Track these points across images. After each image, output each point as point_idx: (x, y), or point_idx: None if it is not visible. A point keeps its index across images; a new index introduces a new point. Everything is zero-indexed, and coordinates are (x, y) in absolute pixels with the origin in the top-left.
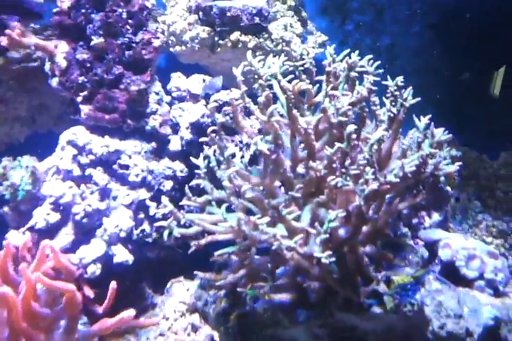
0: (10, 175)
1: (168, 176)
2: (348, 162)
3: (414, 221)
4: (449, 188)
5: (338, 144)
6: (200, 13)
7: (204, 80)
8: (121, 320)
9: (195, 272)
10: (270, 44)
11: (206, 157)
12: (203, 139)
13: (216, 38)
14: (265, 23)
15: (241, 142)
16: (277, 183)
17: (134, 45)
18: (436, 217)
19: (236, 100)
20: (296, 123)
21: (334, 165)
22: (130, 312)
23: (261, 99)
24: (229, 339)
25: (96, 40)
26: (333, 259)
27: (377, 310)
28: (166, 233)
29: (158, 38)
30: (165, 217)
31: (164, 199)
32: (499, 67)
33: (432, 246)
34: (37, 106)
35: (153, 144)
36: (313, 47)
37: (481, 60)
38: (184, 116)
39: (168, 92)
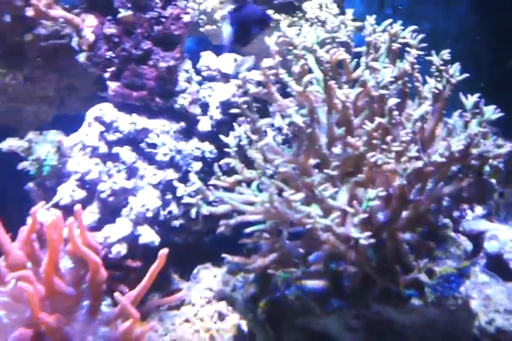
0: (35, 149)
1: (196, 157)
2: (389, 138)
3: (456, 214)
4: (493, 181)
5: (378, 119)
6: None
7: (236, 60)
8: (143, 289)
9: (223, 255)
10: (305, 23)
11: (237, 136)
12: (233, 110)
13: None
14: (299, 1)
15: (272, 125)
16: (311, 161)
17: (163, 19)
18: (479, 210)
19: (269, 69)
20: (333, 97)
21: (374, 142)
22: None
23: (296, 69)
24: (257, 327)
25: (124, 13)
26: (372, 241)
27: (416, 302)
28: (193, 211)
29: (188, 13)
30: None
31: (193, 176)
32: None
33: (476, 238)
34: (65, 87)
35: (182, 124)
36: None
37: None
38: (214, 96)
39: (197, 72)
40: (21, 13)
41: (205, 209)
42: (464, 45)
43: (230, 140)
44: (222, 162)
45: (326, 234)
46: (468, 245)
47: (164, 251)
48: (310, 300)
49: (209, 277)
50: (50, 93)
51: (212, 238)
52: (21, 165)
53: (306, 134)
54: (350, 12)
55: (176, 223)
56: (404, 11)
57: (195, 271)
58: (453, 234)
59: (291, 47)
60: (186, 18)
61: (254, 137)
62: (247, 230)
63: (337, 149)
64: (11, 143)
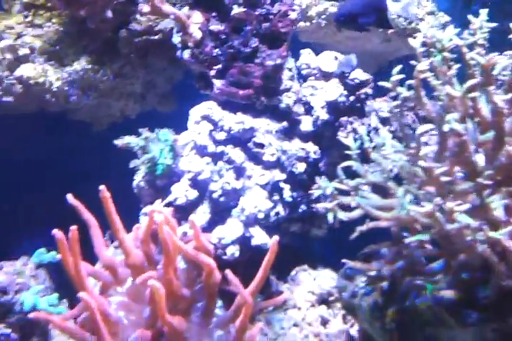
0: (150, 147)
1: (300, 157)
2: None
3: None
4: None
5: None
6: None
7: (336, 58)
8: (260, 281)
9: (343, 260)
10: (403, 21)
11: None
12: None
13: None
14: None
15: (369, 125)
16: (457, 168)
17: (271, 16)
18: None
19: (420, 72)
20: (479, 103)
21: None
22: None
23: (448, 72)
24: (384, 335)
25: (237, 10)
26: None
27: None
28: (330, 216)
29: (294, 10)
30: (295, 200)
31: (323, 179)
32: None
33: None
34: (147, 82)
35: (284, 123)
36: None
37: None
38: (318, 95)
39: (296, 69)
40: (120, 9)
41: (343, 216)
42: None
43: (350, 142)
44: (343, 165)
45: (482, 247)
46: None
47: (275, 240)
48: (442, 311)
49: (309, 280)
50: (137, 89)
51: (306, 240)
52: (133, 163)
53: (457, 142)
54: (484, 12)
55: (284, 225)
56: (493, 8)
57: (292, 272)
58: None
59: (433, 49)
60: (293, 15)
61: (378, 140)
62: (409, 240)
63: (479, 156)
64: (130, 140)
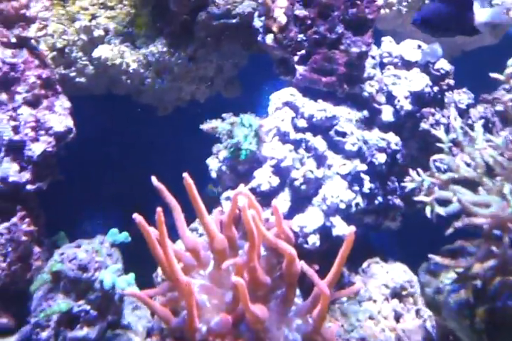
0: (235, 132)
1: (381, 148)
2: None
3: None
4: None
5: None
6: None
7: (419, 46)
8: (337, 271)
9: (429, 255)
10: None
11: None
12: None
13: (427, 1)
14: None
15: (448, 117)
16: None
17: (358, 2)
18: None
19: None
20: None
21: None
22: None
23: None
24: (472, 335)
25: None
26: None
27: None
28: (428, 210)
29: None
30: (372, 192)
31: (415, 173)
32: None
33: None
34: (216, 67)
35: (365, 112)
36: None
37: None
38: (401, 85)
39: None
40: None
41: (442, 211)
42: None
43: (442, 134)
44: (435, 157)
45: None
46: None
47: (352, 230)
48: None
49: (382, 273)
50: (210, 73)
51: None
52: (216, 148)
53: None
54: None
55: (358, 216)
56: None
57: (364, 264)
58: None
59: None
60: (380, 1)
61: (473, 134)
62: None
63: None
64: (217, 125)
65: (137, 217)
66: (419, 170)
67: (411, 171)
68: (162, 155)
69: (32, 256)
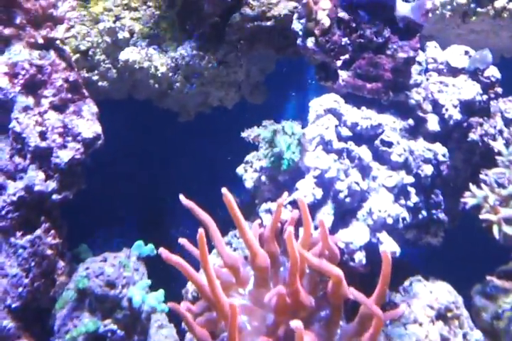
0: (277, 141)
1: (427, 159)
2: None
3: None
4: None
5: None
6: None
7: (467, 52)
8: (382, 291)
9: (488, 277)
10: None
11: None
12: None
13: (472, 5)
14: None
15: (494, 127)
16: None
17: None
18: None
19: None
20: None
21: None
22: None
23: None
24: None
25: None
26: None
27: None
28: (495, 229)
29: None
30: (416, 205)
31: (476, 187)
32: None
33: None
34: (247, 71)
35: (410, 121)
36: None
37: None
38: (449, 92)
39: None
40: None
41: (509, 230)
42: None
43: (501, 146)
44: (494, 171)
45: None
46: None
47: (388, 252)
48: None
49: (425, 292)
50: (240, 78)
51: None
52: (251, 157)
53: None
54: None
55: (404, 231)
56: None
57: (406, 283)
58: None
59: None
60: (429, 5)
61: None
62: None
63: None
64: (259, 132)
65: (163, 251)
66: (482, 185)
67: (471, 186)
68: (182, 161)
69: (56, 271)
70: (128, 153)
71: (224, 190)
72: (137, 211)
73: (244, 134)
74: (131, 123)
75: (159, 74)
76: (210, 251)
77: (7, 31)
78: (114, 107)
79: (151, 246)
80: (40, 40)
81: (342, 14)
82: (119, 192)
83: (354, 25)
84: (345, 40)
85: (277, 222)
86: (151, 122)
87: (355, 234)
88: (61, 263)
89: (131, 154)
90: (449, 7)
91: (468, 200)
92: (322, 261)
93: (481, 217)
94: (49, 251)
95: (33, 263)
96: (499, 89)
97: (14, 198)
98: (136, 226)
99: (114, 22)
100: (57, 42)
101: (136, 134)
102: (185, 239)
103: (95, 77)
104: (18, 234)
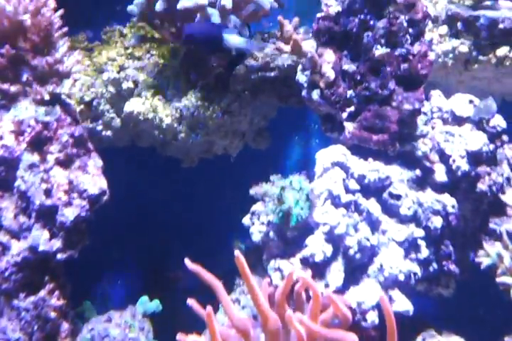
0: (285, 196)
1: (436, 211)
2: None
3: None
4: None
5: None
6: (459, 23)
7: (471, 101)
8: None
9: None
10: None
11: None
12: None
13: (474, 53)
14: None
15: (502, 175)
16: None
17: (410, 57)
18: None
19: None
20: None
21: None
22: None
23: None
24: None
25: (381, 50)
26: None
27: None
28: None
29: (433, 50)
30: (427, 259)
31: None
32: None
33: None
34: (249, 120)
35: (417, 172)
36: None
37: None
38: (456, 143)
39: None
40: None
41: None
42: None
43: (511, 200)
44: (508, 227)
45: None
46: None
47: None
48: None
49: None
50: (244, 127)
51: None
52: (256, 207)
53: None
54: None
55: (419, 285)
56: None
57: (418, 338)
58: None
59: None
60: (432, 56)
61: None
62: None
63: None
64: (267, 189)
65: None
66: (497, 243)
67: (485, 245)
68: (185, 208)
69: (59, 334)
70: (129, 201)
71: (237, 253)
72: (139, 260)
73: (251, 191)
74: (132, 169)
75: (164, 126)
76: (216, 310)
77: (13, 88)
78: (116, 153)
79: (156, 301)
80: (47, 97)
81: (347, 67)
82: (121, 242)
83: (359, 77)
84: (350, 92)
85: (288, 287)
86: (153, 168)
87: (367, 293)
88: (65, 325)
89: (132, 202)
90: (451, 55)
91: (483, 260)
92: (333, 331)
93: (497, 280)
94: (53, 314)
95: (36, 327)
96: (505, 138)
97: (18, 259)
98: (140, 275)
99: (118, 72)
100: (63, 96)
101: (138, 180)
102: (193, 298)
103: (99, 127)
104: (21, 295)
